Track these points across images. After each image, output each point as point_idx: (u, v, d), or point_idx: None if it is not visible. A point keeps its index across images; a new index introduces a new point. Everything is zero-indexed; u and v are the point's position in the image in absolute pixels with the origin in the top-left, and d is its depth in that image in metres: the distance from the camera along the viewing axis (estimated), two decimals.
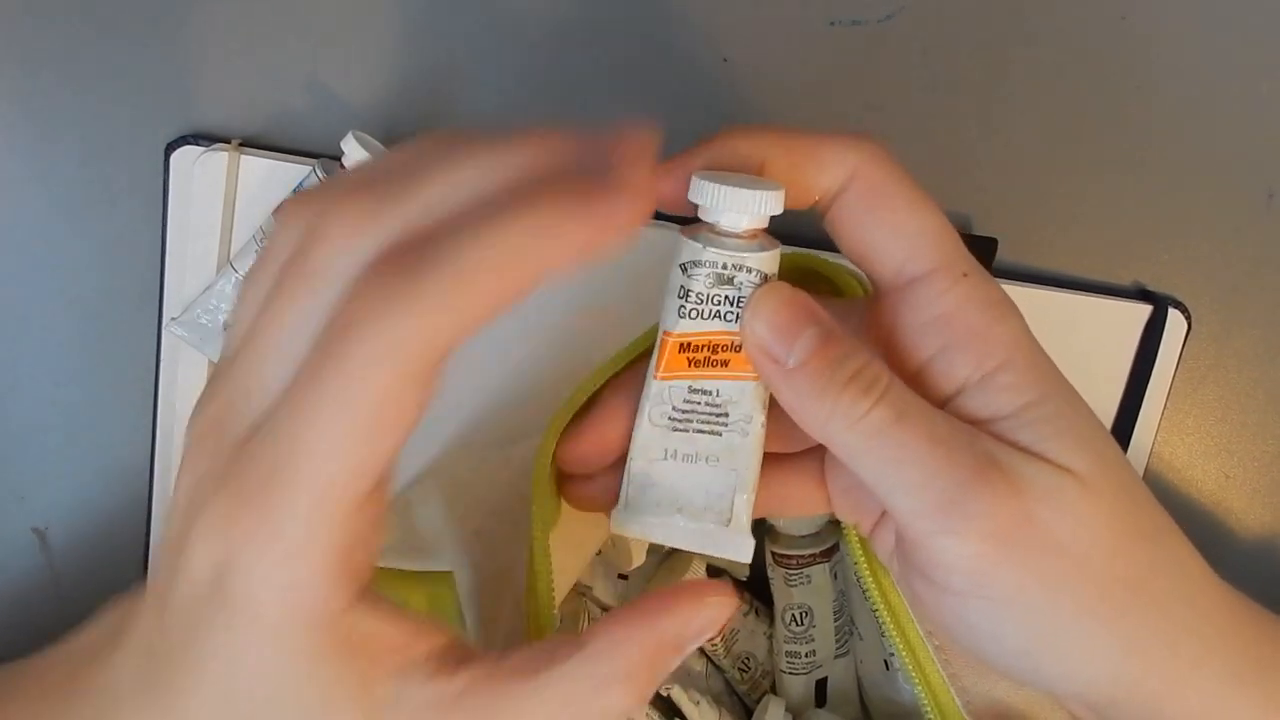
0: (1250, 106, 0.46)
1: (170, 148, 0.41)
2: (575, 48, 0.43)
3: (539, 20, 0.43)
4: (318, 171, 0.39)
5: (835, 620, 0.42)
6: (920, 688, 0.31)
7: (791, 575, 0.41)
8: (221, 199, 0.41)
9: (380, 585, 0.22)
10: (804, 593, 0.41)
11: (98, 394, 0.44)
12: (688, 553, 0.43)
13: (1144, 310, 0.46)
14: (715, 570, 0.44)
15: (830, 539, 0.42)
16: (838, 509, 0.29)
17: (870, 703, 0.42)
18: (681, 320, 0.26)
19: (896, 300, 0.26)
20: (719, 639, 0.42)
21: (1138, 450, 0.46)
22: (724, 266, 0.25)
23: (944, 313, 0.25)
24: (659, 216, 0.42)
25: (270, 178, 0.41)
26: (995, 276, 0.43)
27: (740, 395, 0.26)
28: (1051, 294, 0.45)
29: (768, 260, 0.25)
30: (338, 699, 0.21)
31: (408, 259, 0.19)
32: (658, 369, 0.26)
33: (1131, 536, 0.24)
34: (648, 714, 0.39)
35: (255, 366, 0.21)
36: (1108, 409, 0.46)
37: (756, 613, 0.44)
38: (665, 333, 0.26)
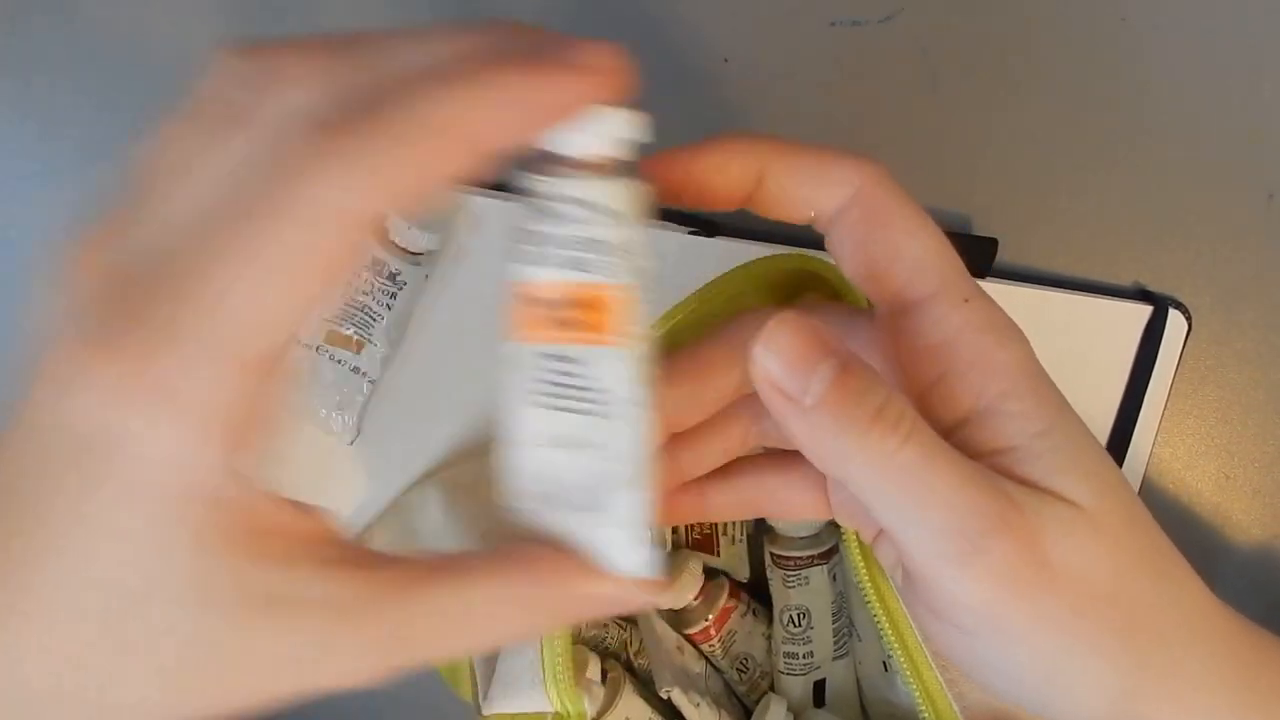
0: (1250, 106, 0.46)
1: None
2: None
3: (538, 20, 0.43)
4: None
5: (834, 622, 0.42)
6: (917, 691, 0.31)
7: (790, 577, 0.41)
8: None
9: None
10: (802, 594, 0.41)
11: None
12: (683, 551, 0.43)
13: (1144, 311, 0.46)
14: (713, 571, 0.44)
15: (829, 541, 0.42)
16: (839, 516, 0.28)
17: (869, 704, 0.42)
18: (526, 267, 0.21)
19: (897, 325, 0.25)
20: (717, 640, 0.42)
21: (1137, 451, 0.46)
22: (568, 200, 0.20)
23: (945, 339, 0.25)
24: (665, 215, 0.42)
25: None
26: (995, 277, 0.42)
27: (611, 366, 0.21)
28: (1051, 294, 0.45)
29: (619, 193, 0.21)
30: (217, 584, 0.19)
31: (351, 115, 0.18)
32: (505, 328, 0.21)
33: (1135, 569, 0.24)
34: (650, 718, 0.39)
35: (161, 200, 0.19)
36: (1107, 409, 0.46)
37: (755, 614, 0.44)
38: (510, 283, 0.21)
